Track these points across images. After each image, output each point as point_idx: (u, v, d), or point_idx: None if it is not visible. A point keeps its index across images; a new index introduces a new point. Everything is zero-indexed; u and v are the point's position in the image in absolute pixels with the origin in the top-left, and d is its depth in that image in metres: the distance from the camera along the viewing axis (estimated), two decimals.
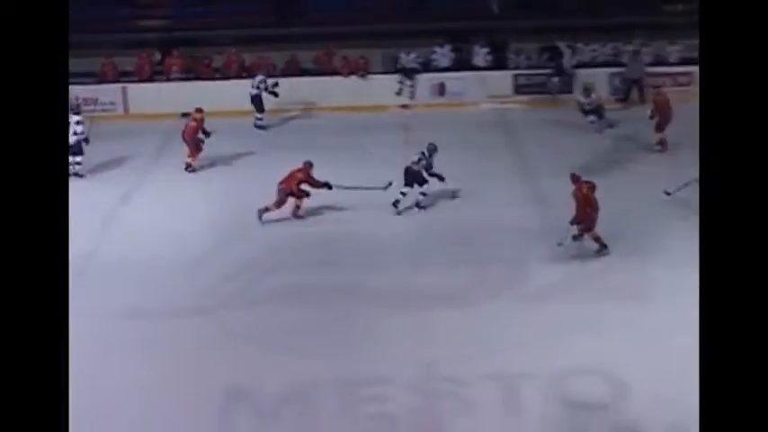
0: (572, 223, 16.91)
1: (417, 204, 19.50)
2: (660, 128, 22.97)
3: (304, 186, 18.90)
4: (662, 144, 22.83)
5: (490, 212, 19.19)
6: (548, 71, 27.91)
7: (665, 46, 28.79)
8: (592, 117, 24.39)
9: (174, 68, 28.06)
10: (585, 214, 16.86)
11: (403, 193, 19.31)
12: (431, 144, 19.58)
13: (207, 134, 22.25)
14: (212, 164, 22.62)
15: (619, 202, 18.95)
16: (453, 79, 27.82)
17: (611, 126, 24.57)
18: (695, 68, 28.07)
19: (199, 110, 22.33)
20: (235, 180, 21.68)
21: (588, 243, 17.11)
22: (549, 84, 27.80)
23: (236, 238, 18.16)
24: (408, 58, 27.72)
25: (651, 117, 23.09)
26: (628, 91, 27.63)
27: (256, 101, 25.49)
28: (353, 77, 27.51)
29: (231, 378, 13.32)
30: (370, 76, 27.18)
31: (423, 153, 19.33)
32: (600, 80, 27.47)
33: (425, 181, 19.32)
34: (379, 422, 12.32)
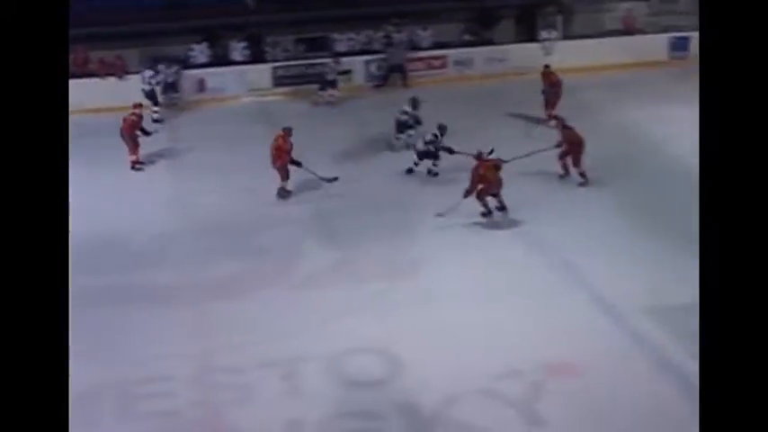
0: (464, 197, 17.49)
1: (429, 172, 20.60)
2: (553, 105, 23.82)
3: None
4: (556, 119, 22.92)
5: (257, 203, 19.31)
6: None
7: (416, 31, 29.61)
8: (399, 135, 22.49)
9: None
10: (476, 190, 17.44)
11: (416, 164, 20.66)
12: (441, 124, 20.45)
13: (147, 133, 21.81)
14: None
15: (380, 182, 19.85)
16: (213, 75, 27.69)
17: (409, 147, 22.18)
18: (448, 52, 29.25)
19: (138, 105, 22.08)
20: None
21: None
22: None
23: None
24: (169, 73, 26.95)
25: (543, 92, 23.95)
26: (386, 77, 28.32)
27: (151, 95, 25.24)
28: (111, 78, 27.00)
29: None
30: (127, 77, 26.74)
31: (435, 135, 20.37)
32: (357, 68, 28.19)
33: (437, 156, 20.57)
34: (161, 419, 12.20)
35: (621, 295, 14.75)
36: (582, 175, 19.70)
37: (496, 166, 17.74)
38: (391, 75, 28.31)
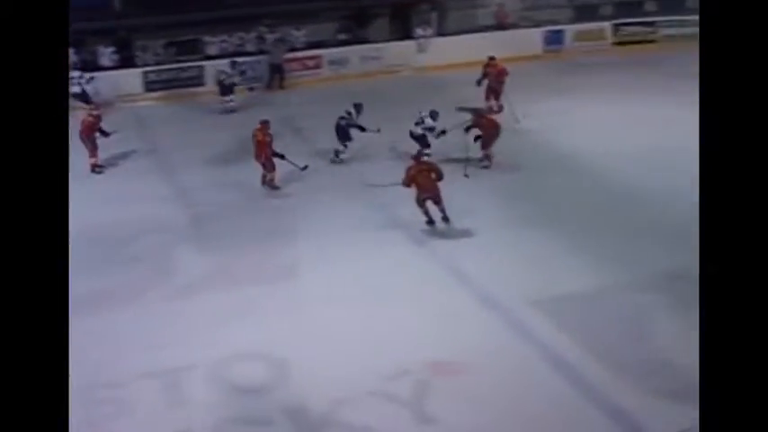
0: (402, 184, 17.22)
1: (336, 153, 21.04)
2: (497, 95, 24.03)
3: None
4: (500, 109, 23.37)
5: (132, 212, 18.72)
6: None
7: (290, 31, 29.35)
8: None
9: None
10: (410, 188, 17.08)
11: (346, 146, 20.97)
12: (357, 103, 20.98)
13: (106, 134, 21.18)
14: None
15: (254, 185, 19.61)
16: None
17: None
18: (323, 52, 29.17)
19: (96, 106, 21.92)
20: None
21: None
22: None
23: None
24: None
25: (488, 83, 24.17)
26: (271, 77, 28.11)
27: (83, 96, 24.65)
28: None
29: None
30: None
31: (348, 112, 20.91)
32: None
33: (349, 137, 20.99)
34: None
35: (508, 290, 14.67)
36: (487, 157, 20.07)
37: (429, 170, 17.12)
38: (273, 75, 28.05)
